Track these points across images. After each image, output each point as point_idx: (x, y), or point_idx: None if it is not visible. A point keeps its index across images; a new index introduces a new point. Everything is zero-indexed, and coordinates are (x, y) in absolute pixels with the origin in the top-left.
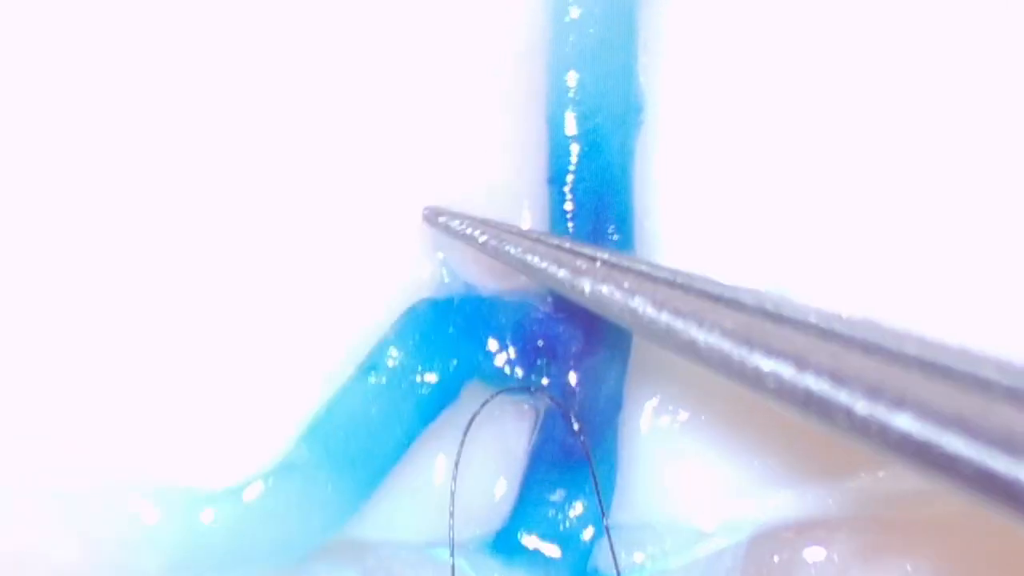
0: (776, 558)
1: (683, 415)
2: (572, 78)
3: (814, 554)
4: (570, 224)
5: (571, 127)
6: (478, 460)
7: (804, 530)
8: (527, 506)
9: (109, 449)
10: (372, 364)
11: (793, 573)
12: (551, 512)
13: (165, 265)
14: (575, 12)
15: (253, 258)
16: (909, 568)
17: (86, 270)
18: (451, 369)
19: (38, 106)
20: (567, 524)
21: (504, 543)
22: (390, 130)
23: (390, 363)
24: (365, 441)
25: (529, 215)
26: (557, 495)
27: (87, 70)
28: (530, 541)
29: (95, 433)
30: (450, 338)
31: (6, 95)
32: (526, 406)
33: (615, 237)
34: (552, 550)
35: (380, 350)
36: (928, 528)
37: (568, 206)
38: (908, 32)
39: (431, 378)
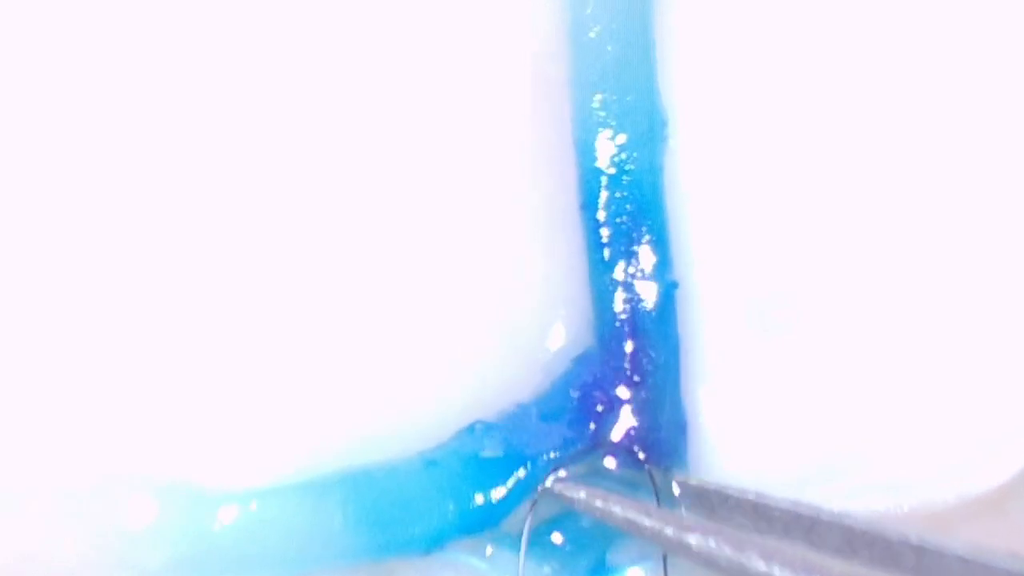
0: None
1: None
2: (596, 99)
3: None
4: (606, 250)
5: (598, 149)
6: None
7: None
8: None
9: (116, 447)
10: (434, 461)
11: None
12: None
13: (183, 270)
14: (593, 32)
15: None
16: None
17: (103, 275)
18: (496, 497)
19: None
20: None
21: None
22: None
23: (450, 466)
24: (401, 517)
25: (564, 243)
26: None
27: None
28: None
29: (102, 431)
30: (498, 465)
31: (16, 98)
32: None
33: (652, 258)
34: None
35: (443, 453)
36: None
37: (604, 232)
38: (924, 43)
39: (479, 499)
